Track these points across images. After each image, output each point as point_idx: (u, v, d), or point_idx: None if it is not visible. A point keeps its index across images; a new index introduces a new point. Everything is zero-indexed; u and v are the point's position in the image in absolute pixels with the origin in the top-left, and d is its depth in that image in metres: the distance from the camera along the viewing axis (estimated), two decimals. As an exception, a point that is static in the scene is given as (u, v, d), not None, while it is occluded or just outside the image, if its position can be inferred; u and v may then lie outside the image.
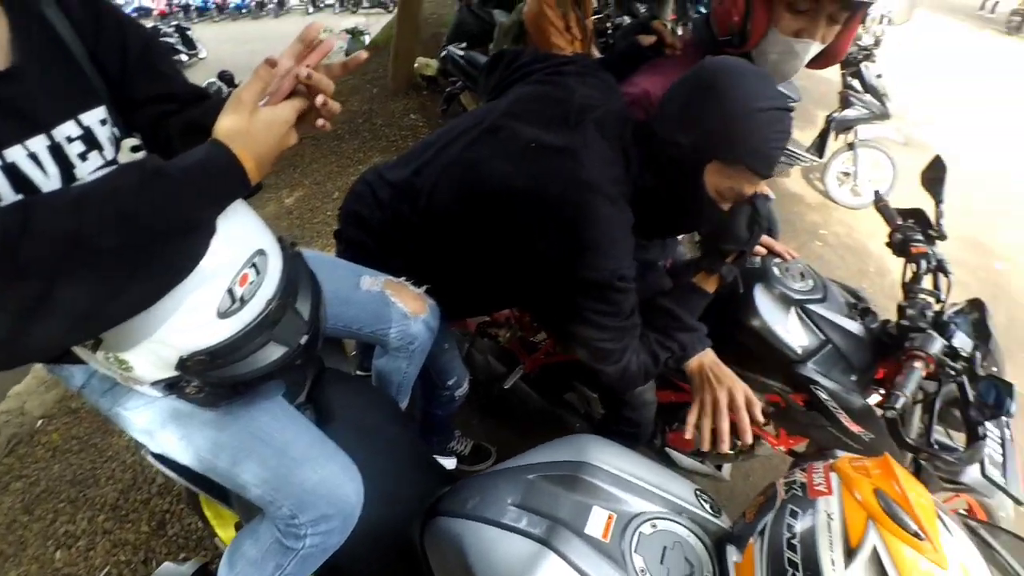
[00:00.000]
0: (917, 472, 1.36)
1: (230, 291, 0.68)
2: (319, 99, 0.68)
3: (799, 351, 1.25)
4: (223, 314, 0.68)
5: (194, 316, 0.67)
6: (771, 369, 1.31)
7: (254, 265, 0.70)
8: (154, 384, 0.73)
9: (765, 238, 1.38)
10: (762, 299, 1.27)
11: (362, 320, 1.17)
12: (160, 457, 0.97)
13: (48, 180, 0.66)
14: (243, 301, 0.69)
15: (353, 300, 1.16)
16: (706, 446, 1.10)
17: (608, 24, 4.18)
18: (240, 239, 0.71)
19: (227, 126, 0.63)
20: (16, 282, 0.50)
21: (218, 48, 13.84)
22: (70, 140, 0.69)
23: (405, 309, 1.19)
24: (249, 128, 0.63)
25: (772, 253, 1.37)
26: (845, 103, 3.84)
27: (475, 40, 4.39)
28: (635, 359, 1.11)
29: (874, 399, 1.27)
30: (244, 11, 19.85)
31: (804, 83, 4.85)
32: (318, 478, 0.90)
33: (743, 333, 1.28)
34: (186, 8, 18.97)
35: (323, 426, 1.03)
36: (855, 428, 1.25)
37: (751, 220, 1.05)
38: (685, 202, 1.06)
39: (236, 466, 0.89)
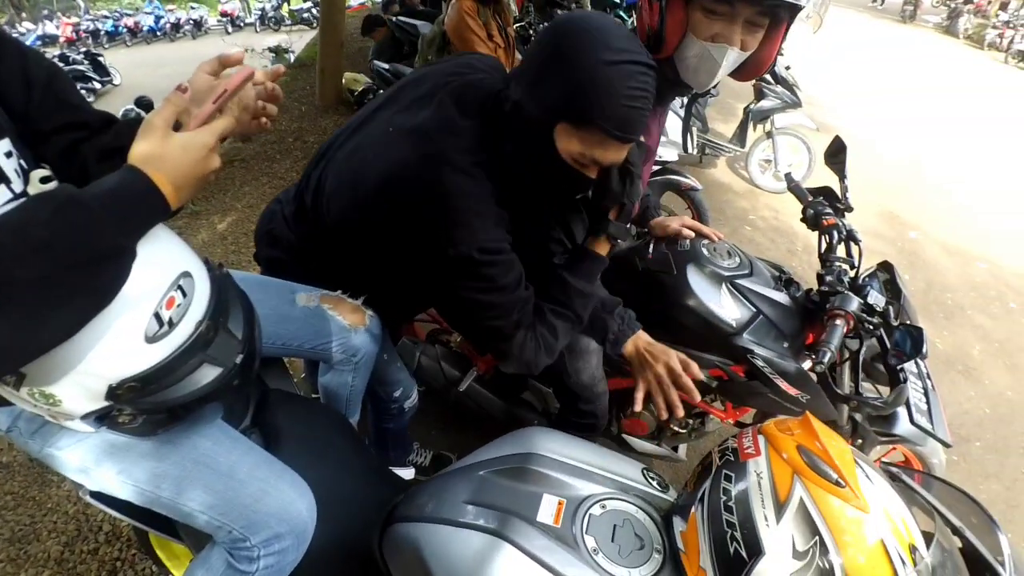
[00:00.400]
0: (854, 429, 1.46)
1: (157, 315, 0.66)
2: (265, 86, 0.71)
3: (733, 324, 1.33)
4: (151, 338, 0.66)
5: (121, 342, 0.65)
6: (711, 344, 1.38)
7: (180, 287, 0.69)
8: (84, 418, 0.70)
9: (693, 222, 1.45)
10: (695, 278, 1.34)
11: (302, 337, 1.16)
12: (100, 495, 0.93)
13: None
14: (171, 324, 0.68)
15: (291, 317, 1.14)
16: (664, 415, 1.13)
17: (531, 31, 4.29)
18: (163, 262, 0.69)
19: (141, 151, 0.62)
20: None
21: (133, 73, 13.16)
22: None
23: (344, 322, 1.19)
24: (164, 152, 0.62)
25: (700, 236, 1.44)
26: (760, 95, 4.09)
27: (400, 53, 4.39)
28: (530, 335, 1.07)
29: (807, 364, 1.35)
30: (159, 33, 18.96)
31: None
32: (267, 497, 0.88)
33: (681, 312, 1.35)
34: (95, 34, 17.90)
35: (271, 448, 1.01)
36: (792, 391, 1.33)
37: (623, 172, 1.00)
38: (544, 170, 0.96)
39: (180, 495, 0.86)
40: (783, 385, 1.33)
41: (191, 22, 19.18)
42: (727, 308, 1.34)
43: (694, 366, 1.14)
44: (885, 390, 1.48)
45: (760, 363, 1.32)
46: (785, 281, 1.44)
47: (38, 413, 0.73)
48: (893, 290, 1.37)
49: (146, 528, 1.08)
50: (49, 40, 16.86)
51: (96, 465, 0.85)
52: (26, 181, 0.72)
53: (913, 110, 7.34)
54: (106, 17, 19.27)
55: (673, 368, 1.12)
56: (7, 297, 0.52)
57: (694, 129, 3.23)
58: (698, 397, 1.16)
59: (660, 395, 1.13)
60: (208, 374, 0.72)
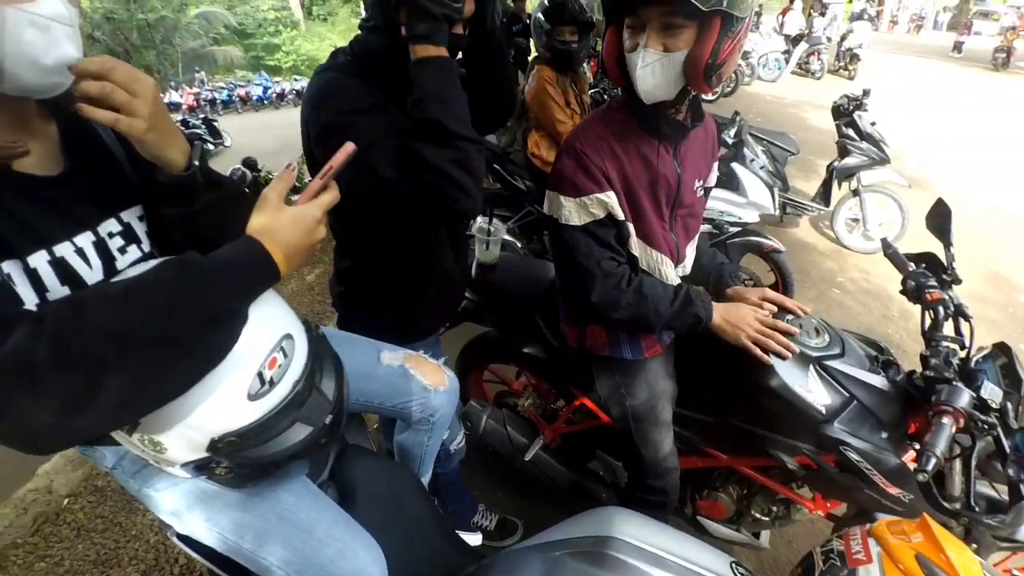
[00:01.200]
0: (967, 531, 1.28)
1: (260, 374, 0.71)
2: None
3: (823, 411, 1.22)
4: (253, 396, 0.71)
5: (226, 399, 0.70)
6: (798, 431, 1.28)
7: (282, 349, 0.74)
8: (184, 465, 0.75)
9: (775, 295, 1.35)
10: (778, 358, 1.24)
11: (383, 395, 1.19)
12: (185, 539, 0.97)
13: (92, 273, 0.72)
14: (272, 383, 0.72)
15: (375, 375, 1.18)
16: (785, 353, 1.19)
17: (604, 96, 4.41)
18: (269, 324, 0.75)
19: (259, 222, 0.69)
20: (66, 372, 0.54)
21: (241, 136, 14.64)
22: (111, 235, 0.76)
23: (425, 382, 1.21)
24: (278, 224, 0.69)
25: (784, 310, 1.33)
26: (844, 152, 3.94)
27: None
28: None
29: (909, 456, 1.22)
30: (266, 102, 21.13)
31: (802, 135, 4.99)
32: (342, 559, 0.89)
33: (764, 395, 1.26)
34: (212, 102, 20.25)
35: (346, 504, 1.03)
36: (892, 490, 1.20)
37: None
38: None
39: (261, 548, 0.89)
40: (881, 482, 1.20)
41: (294, 92, 21.21)
42: (816, 393, 1.23)
43: (768, 299, 1.29)
44: (1004, 488, 1.31)
45: (854, 456, 1.19)
46: (883, 363, 1.30)
47: (144, 457, 0.79)
48: (1012, 378, 1.18)
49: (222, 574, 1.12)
50: (173, 107, 19.11)
51: (187, 510, 0.90)
52: (153, 242, 0.81)
53: (1013, 155, 6.78)
54: (222, 88, 21.78)
55: (760, 316, 1.23)
56: (132, 353, 0.58)
57: (775, 190, 3.13)
58: (796, 330, 1.25)
59: (768, 343, 1.20)
60: (300, 432, 0.75)
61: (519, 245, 1.99)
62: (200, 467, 0.75)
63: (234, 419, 0.71)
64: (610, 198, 1.15)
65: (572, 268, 1.21)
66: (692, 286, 1.28)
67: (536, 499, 2.05)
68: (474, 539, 1.70)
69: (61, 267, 0.69)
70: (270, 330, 0.74)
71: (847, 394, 1.23)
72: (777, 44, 11.61)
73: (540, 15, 2.68)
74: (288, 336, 0.76)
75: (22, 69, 0.60)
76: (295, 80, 23.18)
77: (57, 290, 0.68)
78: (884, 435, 1.22)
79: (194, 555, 1.03)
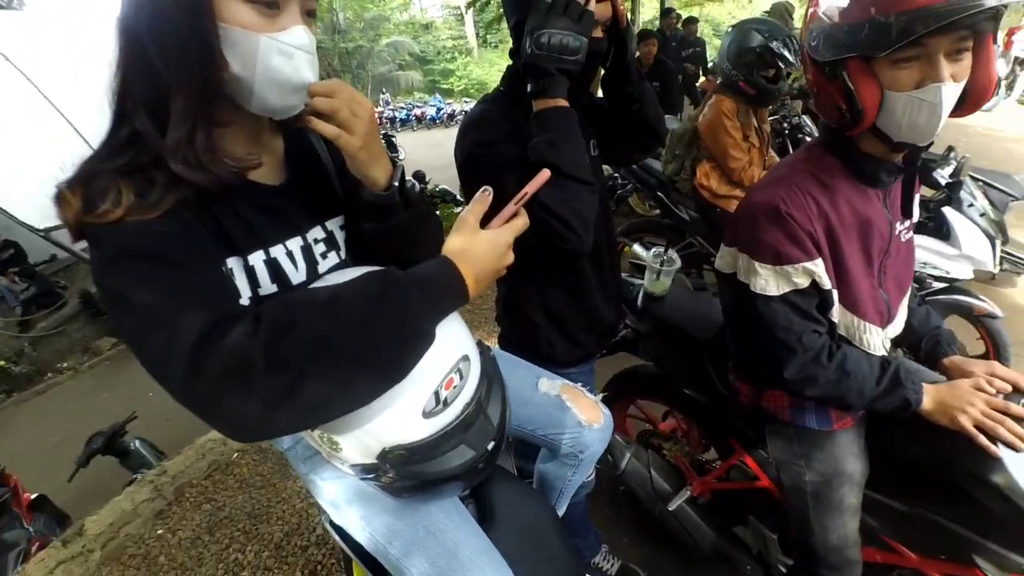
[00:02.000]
0: None
1: (436, 393, 0.73)
2: None
3: None
4: (427, 414, 0.73)
5: (403, 413, 0.72)
6: (1019, 541, 1.03)
7: (459, 370, 0.75)
8: (353, 466, 0.79)
9: (1007, 371, 1.12)
10: (1007, 449, 1.00)
11: (537, 422, 1.18)
12: (338, 528, 1.02)
13: (298, 274, 0.80)
14: (446, 403, 0.74)
15: (531, 402, 1.17)
16: (1020, 445, 0.98)
17: (785, 124, 4.05)
18: (450, 345, 0.76)
19: (455, 244, 0.72)
20: (275, 371, 0.58)
21: (414, 151, 16.02)
22: (316, 241, 0.84)
23: (580, 416, 1.18)
24: (472, 247, 0.71)
25: (1017, 390, 1.08)
26: (1077, 196, 3.18)
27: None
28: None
29: None
30: (438, 121, 23.01)
31: (1025, 176, 4.15)
32: None
33: (982, 490, 1.03)
34: (392, 120, 22.58)
35: (484, 524, 1.03)
36: None
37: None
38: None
39: (406, 557, 0.91)
40: None
41: (463, 113, 22.84)
42: None
43: (999, 376, 1.07)
44: None
45: None
46: None
47: (319, 450, 0.84)
48: None
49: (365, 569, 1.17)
50: (360, 124, 21.61)
51: (346, 503, 0.95)
52: (348, 250, 0.88)
53: None
54: (402, 108, 24.18)
55: (987, 398, 1.03)
56: (330, 361, 0.61)
57: (996, 241, 2.62)
58: None
59: (997, 430, 1.00)
60: (463, 455, 0.76)
61: (687, 278, 1.88)
62: (366, 470, 0.78)
63: (407, 433, 0.73)
64: (817, 267, 1.02)
65: (764, 340, 1.09)
66: (902, 362, 1.10)
67: (665, 553, 1.90)
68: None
69: (273, 267, 0.77)
70: (451, 350, 0.76)
71: None
72: (996, 67, 9.91)
73: (735, 48, 2.53)
74: (466, 358, 0.77)
75: (268, 91, 0.68)
76: (465, 102, 25.03)
77: (268, 286, 0.76)
78: None
79: (342, 544, 1.09)
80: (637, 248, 1.78)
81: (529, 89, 1.07)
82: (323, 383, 0.61)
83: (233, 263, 0.73)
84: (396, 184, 0.78)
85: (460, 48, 34.96)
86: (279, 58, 0.66)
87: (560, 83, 1.04)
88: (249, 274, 0.75)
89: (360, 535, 0.95)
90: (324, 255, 0.85)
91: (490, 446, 0.78)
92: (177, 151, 0.65)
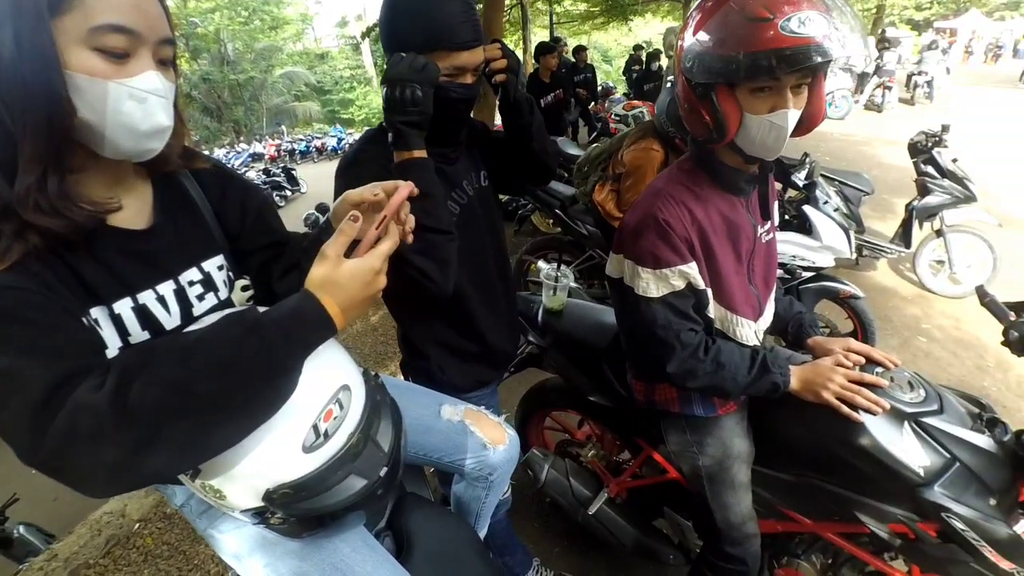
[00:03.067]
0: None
1: (315, 426, 0.71)
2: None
3: (921, 473, 1.10)
4: (308, 448, 0.71)
5: (281, 451, 0.70)
6: (891, 494, 1.16)
7: (338, 401, 0.74)
8: (243, 512, 0.75)
9: (860, 345, 1.26)
10: (868, 415, 1.14)
11: (442, 449, 1.18)
12: None
13: (171, 319, 0.77)
14: (327, 436, 0.72)
15: (434, 429, 1.17)
16: (875, 409, 1.12)
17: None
18: (326, 376, 0.75)
19: (316, 277, 0.70)
20: (125, 420, 0.56)
21: (316, 183, 15.61)
22: (191, 284, 0.81)
23: (484, 439, 1.19)
24: (335, 278, 0.69)
25: (871, 361, 1.23)
26: (924, 191, 3.71)
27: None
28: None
29: (1021, 526, 1.07)
30: (339, 152, 22.57)
31: (876, 173, 4.76)
32: None
33: (853, 455, 1.15)
34: (292, 152, 21.90)
35: (402, 556, 1.01)
36: (1005, 564, 1.05)
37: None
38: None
39: None
40: (991, 555, 1.05)
41: (365, 142, 22.52)
42: (912, 453, 1.11)
43: (854, 350, 1.21)
44: None
45: (959, 525, 1.06)
46: (987, 421, 1.17)
47: (207, 501, 0.80)
48: None
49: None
50: (257, 157, 20.80)
51: (248, 554, 0.91)
52: (230, 289, 0.85)
53: None
54: (301, 140, 23.51)
55: (845, 371, 1.16)
56: (188, 406, 0.60)
57: (851, 232, 2.96)
58: (885, 383, 1.16)
59: (855, 399, 1.13)
60: (354, 485, 0.74)
61: (583, 290, 1.96)
62: (257, 514, 0.75)
63: (288, 471, 0.71)
64: (692, 269, 1.13)
65: (647, 339, 1.18)
66: (769, 350, 1.21)
67: (596, 556, 1.95)
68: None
69: (143, 313, 0.74)
70: (327, 382, 0.75)
71: (948, 455, 1.11)
72: (843, 81, 11.28)
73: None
74: (345, 387, 0.76)
75: (120, 136, 0.67)
76: (367, 131, 24.82)
77: (138, 334, 0.73)
78: (992, 501, 1.09)
79: (251, 598, 1.04)
80: (541, 264, 1.84)
81: (390, 140, 1.09)
82: (180, 429, 0.59)
83: (98, 313, 0.70)
84: None
85: (359, 77, 34.64)
86: (130, 103, 0.66)
87: (410, 136, 1.07)
88: (116, 323, 0.72)
89: None
90: (200, 297, 0.82)
91: (382, 472, 0.76)
92: (27, 198, 0.62)
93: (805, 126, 1.08)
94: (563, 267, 1.70)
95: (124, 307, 0.72)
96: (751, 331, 1.23)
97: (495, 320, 1.38)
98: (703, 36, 1.03)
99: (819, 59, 0.93)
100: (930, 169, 3.71)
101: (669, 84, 2.78)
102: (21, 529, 2.58)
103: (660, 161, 2.69)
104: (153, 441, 0.58)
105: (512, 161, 1.35)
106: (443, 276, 1.11)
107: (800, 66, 0.94)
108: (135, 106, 0.66)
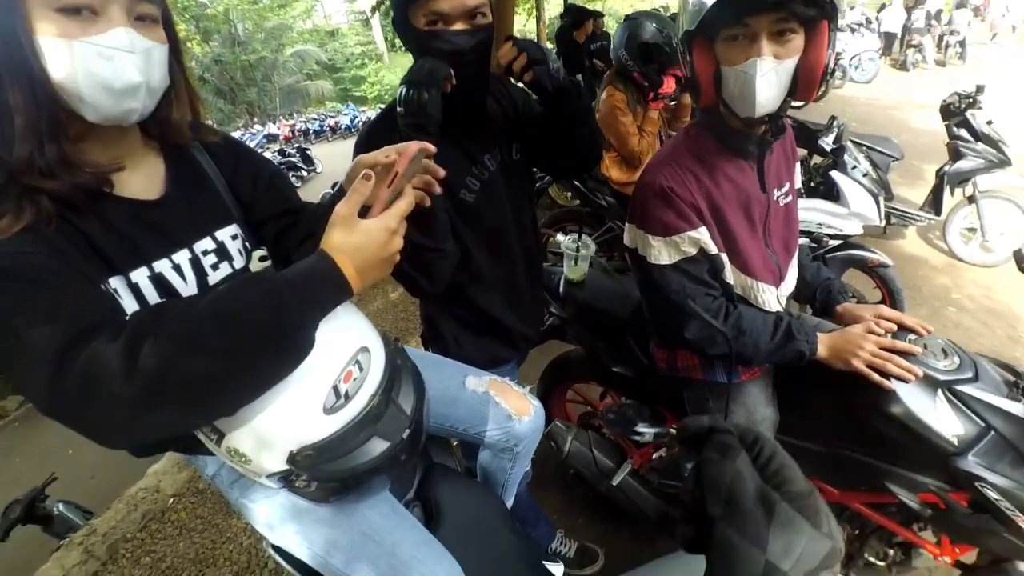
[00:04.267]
0: None
1: (335, 388, 0.71)
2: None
3: (955, 441, 1.07)
4: (329, 410, 0.71)
5: (302, 412, 0.70)
6: (923, 464, 1.13)
7: (358, 362, 0.73)
8: (269, 477, 0.76)
9: (892, 312, 1.22)
10: (900, 382, 1.10)
11: (467, 421, 1.18)
12: (278, 550, 0.99)
13: (187, 287, 0.78)
14: (347, 397, 0.72)
15: (459, 400, 1.17)
16: (908, 376, 1.08)
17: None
18: (345, 338, 0.74)
19: (332, 238, 0.69)
20: (133, 374, 0.57)
21: (332, 163, 15.60)
22: (205, 253, 0.82)
23: (509, 410, 1.19)
24: (350, 238, 0.68)
25: (903, 328, 1.20)
26: (956, 155, 3.56)
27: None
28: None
29: (1057, 496, 1.04)
30: (353, 131, 22.47)
31: (905, 138, 4.58)
32: None
33: (884, 423, 1.13)
34: (306, 132, 21.89)
35: (431, 525, 1.02)
36: None
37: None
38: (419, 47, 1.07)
39: (348, 566, 0.90)
40: None
41: (379, 120, 22.44)
42: (945, 421, 1.08)
43: (885, 316, 1.18)
44: None
45: (993, 494, 1.04)
46: (1023, 389, 1.14)
47: (235, 468, 0.81)
48: None
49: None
50: (272, 138, 20.83)
51: (280, 523, 0.92)
52: (247, 259, 0.85)
53: None
54: (315, 119, 23.48)
55: (876, 339, 1.12)
56: (199, 360, 0.60)
57: (880, 198, 2.87)
58: (917, 350, 1.13)
59: (887, 366, 1.09)
60: (377, 447, 0.74)
61: (604, 261, 1.95)
62: (283, 479, 0.76)
63: (311, 432, 0.71)
64: (702, 234, 1.11)
65: (664, 306, 1.16)
66: (794, 316, 1.19)
67: (619, 527, 1.96)
68: (557, 569, 1.64)
69: (160, 282, 0.75)
70: (346, 343, 0.74)
71: (983, 423, 1.08)
72: (871, 43, 10.87)
73: (628, 40, 2.64)
74: (364, 349, 0.75)
75: (97, 96, 0.66)
76: (380, 109, 24.65)
77: (156, 302, 0.74)
78: None
79: (287, 566, 1.06)
80: (560, 237, 1.82)
81: None
82: (189, 381, 0.60)
83: (116, 283, 0.72)
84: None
85: (370, 54, 34.31)
86: (98, 61, 0.65)
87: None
88: (135, 292, 0.73)
89: (300, 552, 0.93)
90: (215, 266, 0.83)
91: (405, 435, 0.76)
92: (28, 164, 0.64)
93: (804, 82, 1.00)
94: (584, 237, 1.67)
95: (141, 276, 0.74)
96: (773, 297, 1.21)
97: (514, 299, 1.35)
98: None
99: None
100: (963, 132, 3.56)
101: (624, 20, 2.78)
102: (60, 507, 2.65)
103: (623, 100, 2.71)
104: (163, 392, 0.59)
105: (558, 147, 1.24)
106: (431, 285, 1.12)
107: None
108: (104, 64, 0.65)
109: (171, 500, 2.46)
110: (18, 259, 0.62)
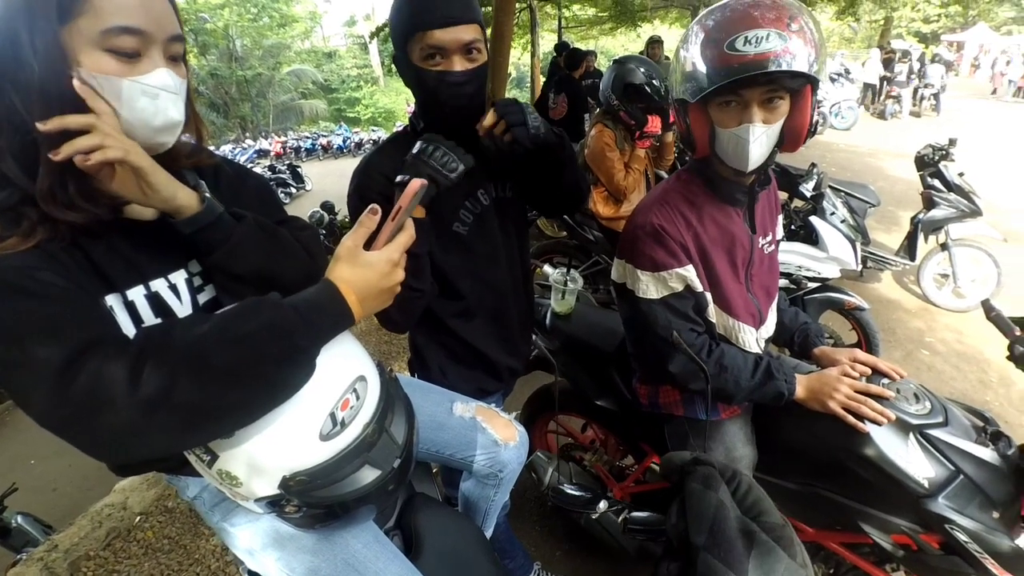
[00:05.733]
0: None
1: (332, 415, 0.72)
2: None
3: (926, 484, 1.11)
4: (325, 436, 0.72)
5: (299, 438, 0.71)
6: (895, 505, 1.16)
7: (355, 391, 0.75)
8: (258, 501, 0.76)
9: (867, 356, 1.27)
10: (874, 425, 1.15)
11: (453, 446, 1.19)
12: None
13: (182, 307, 0.79)
14: (343, 424, 0.73)
15: (446, 426, 1.18)
16: (880, 420, 1.13)
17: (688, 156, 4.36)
18: (344, 366, 0.76)
19: (337, 268, 0.72)
20: (138, 388, 0.58)
21: (321, 181, 15.68)
22: (194, 275, 0.83)
23: (496, 436, 1.20)
24: (356, 270, 0.72)
25: (877, 372, 1.25)
26: (929, 204, 3.70)
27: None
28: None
29: (1023, 539, 1.08)
30: (344, 151, 22.63)
31: (881, 184, 4.78)
32: None
33: (857, 464, 1.16)
34: (297, 150, 21.96)
35: (411, 554, 1.02)
36: None
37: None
38: (419, 85, 1.11)
39: None
40: (993, 568, 1.06)
41: (371, 142, 22.64)
42: (916, 464, 1.12)
43: (860, 360, 1.24)
44: None
45: (962, 536, 1.07)
46: (991, 434, 1.17)
47: (222, 490, 0.81)
48: None
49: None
50: (263, 153, 20.85)
51: (261, 549, 0.91)
52: None
53: None
54: (307, 137, 23.58)
55: (851, 381, 1.18)
56: (203, 378, 0.62)
57: (857, 243, 2.97)
58: (891, 394, 1.19)
59: (861, 409, 1.14)
60: (368, 475, 0.75)
61: (590, 295, 1.99)
62: (272, 504, 0.76)
63: (306, 458, 0.72)
64: (689, 272, 1.16)
65: (649, 339, 1.21)
66: (774, 357, 1.23)
67: (598, 560, 1.95)
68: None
69: (155, 300, 0.76)
70: (344, 372, 0.76)
71: (952, 467, 1.12)
72: (850, 92, 11.33)
73: (617, 83, 2.76)
74: (362, 378, 0.77)
75: (136, 132, 0.69)
76: (372, 131, 24.79)
77: (151, 321, 0.75)
78: (995, 514, 1.09)
79: (265, 595, 1.04)
80: (547, 269, 1.85)
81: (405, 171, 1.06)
82: (193, 399, 0.61)
83: (112, 300, 0.72)
84: (207, 195, 0.76)
85: (365, 77, 34.72)
86: (144, 99, 0.68)
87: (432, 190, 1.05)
88: (130, 309, 0.74)
89: None
90: (200, 288, 0.84)
91: (396, 464, 0.77)
92: (48, 196, 0.65)
93: (789, 140, 1.10)
94: (572, 271, 1.71)
95: (137, 294, 0.75)
96: (753, 338, 1.26)
97: (503, 332, 1.36)
98: (680, 56, 1.10)
99: (761, 74, 0.97)
100: (936, 182, 3.71)
101: (612, 63, 2.92)
102: (19, 519, 2.57)
103: (611, 138, 2.83)
104: (166, 410, 0.60)
105: (544, 190, 1.29)
106: (404, 322, 1.16)
107: (733, 79, 0.98)
108: (148, 102, 0.69)
109: (138, 518, 2.38)
110: (24, 274, 0.62)
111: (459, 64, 1.07)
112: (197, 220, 0.74)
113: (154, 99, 0.69)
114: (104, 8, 0.64)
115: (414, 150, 1.06)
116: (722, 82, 1.00)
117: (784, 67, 0.96)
